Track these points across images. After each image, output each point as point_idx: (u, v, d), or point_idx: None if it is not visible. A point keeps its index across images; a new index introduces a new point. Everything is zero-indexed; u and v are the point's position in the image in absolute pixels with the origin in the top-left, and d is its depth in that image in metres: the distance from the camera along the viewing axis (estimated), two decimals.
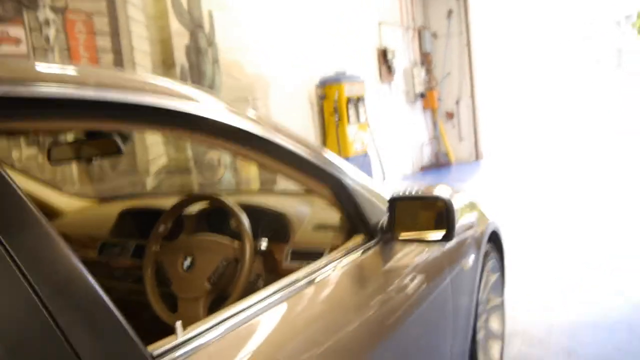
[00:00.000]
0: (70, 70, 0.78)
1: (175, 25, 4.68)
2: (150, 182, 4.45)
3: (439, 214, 1.27)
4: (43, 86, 0.65)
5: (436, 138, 9.82)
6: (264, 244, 1.44)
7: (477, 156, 9.93)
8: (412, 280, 1.37)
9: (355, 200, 1.29)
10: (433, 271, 1.52)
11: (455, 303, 1.65)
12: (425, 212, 1.30)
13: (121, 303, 0.67)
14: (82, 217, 2.12)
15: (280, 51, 5.87)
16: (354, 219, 1.31)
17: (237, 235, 1.44)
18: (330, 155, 1.29)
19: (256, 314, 0.91)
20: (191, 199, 1.59)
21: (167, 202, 1.65)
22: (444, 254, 1.61)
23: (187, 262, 1.44)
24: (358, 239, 1.31)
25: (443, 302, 1.57)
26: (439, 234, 1.27)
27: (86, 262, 1.91)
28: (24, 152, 3.58)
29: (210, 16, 5.01)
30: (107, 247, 1.86)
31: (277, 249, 1.49)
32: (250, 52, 5.41)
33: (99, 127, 0.88)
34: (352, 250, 1.26)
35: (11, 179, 0.59)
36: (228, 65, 5.13)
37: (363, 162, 6.56)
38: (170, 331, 0.78)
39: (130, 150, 4.28)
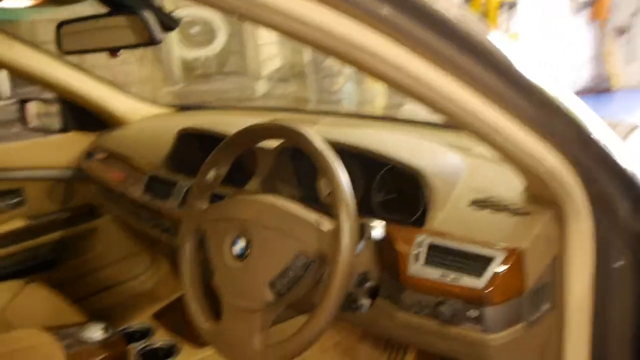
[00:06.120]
0: None
1: None
2: (259, 89, 3.89)
3: None
4: None
5: (599, 57, 8.21)
6: (377, 230, 0.76)
7: None
8: None
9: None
10: None
11: None
12: None
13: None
14: (144, 131, 1.56)
15: None
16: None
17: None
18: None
19: None
20: (260, 129, 0.89)
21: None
22: None
23: (239, 245, 0.80)
24: None
25: None
26: None
27: (131, 203, 1.25)
28: None
29: None
30: (155, 183, 1.29)
31: (402, 237, 0.81)
32: None
33: None
34: None
35: None
36: None
37: None
38: None
39: (239, 49, 3.71)
